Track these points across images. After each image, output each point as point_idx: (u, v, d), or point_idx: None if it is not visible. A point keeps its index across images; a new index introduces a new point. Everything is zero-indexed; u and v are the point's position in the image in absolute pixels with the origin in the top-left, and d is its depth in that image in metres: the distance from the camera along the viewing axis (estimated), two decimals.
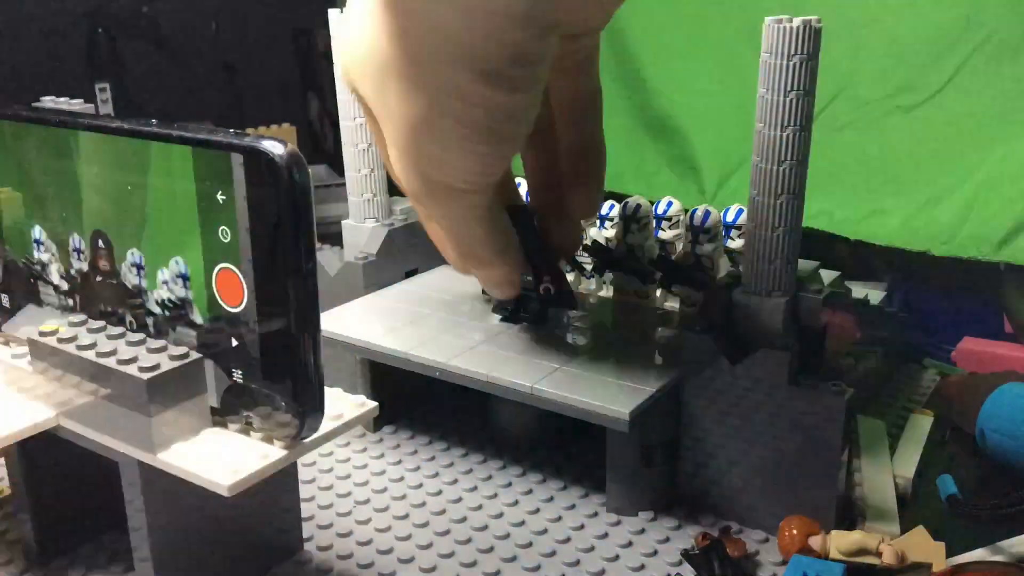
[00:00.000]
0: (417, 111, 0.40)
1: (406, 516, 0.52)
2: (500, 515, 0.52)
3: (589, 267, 0.65)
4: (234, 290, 0.39)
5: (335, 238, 0.73)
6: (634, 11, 0.80)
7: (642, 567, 0.48)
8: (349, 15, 0.42)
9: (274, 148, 0.36)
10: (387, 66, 0.39)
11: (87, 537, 0.50)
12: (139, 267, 0.43)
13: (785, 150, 0.47)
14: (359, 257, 0.67)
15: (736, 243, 0.57)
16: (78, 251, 0.45)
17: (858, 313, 0.61)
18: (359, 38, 0.40)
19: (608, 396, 0.50)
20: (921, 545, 0.45)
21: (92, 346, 0.42)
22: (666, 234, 0.60)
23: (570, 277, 0.64)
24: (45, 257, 0.47)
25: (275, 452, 0.40)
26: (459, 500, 0.54)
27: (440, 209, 0.46)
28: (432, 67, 0.38)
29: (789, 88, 0.46)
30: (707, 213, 0.57)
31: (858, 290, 0.64)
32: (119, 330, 0.43)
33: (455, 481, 0.56)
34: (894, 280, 0.72)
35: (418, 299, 0.65)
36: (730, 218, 0.57)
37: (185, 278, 0.41)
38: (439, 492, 0.55)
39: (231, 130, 0.38)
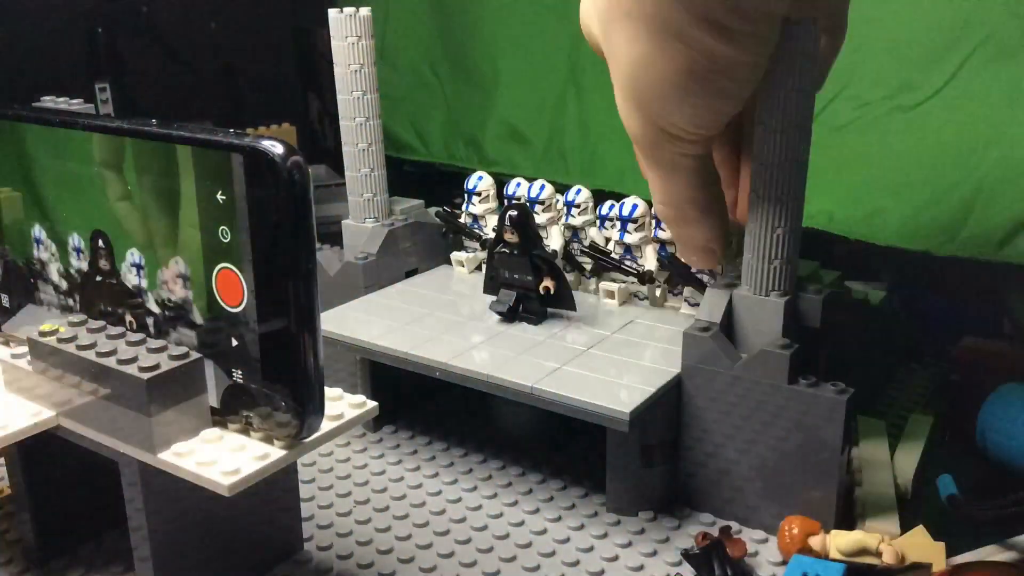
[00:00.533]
0: (640, 50, 0.41)
1: (406, 516, 0.52)
2: (500, 515, 0.52)
3: (589, 268, 0.65)
4: (234, 290, 0.39)
5: (335, 238, 0.73)
6: None
7: (642, 567, 0.48)
8: None
9: (274, 148, 0.36)
10: (616, 5, 0.40)
11: (87, 537, 0.50)
12: (139, 267, 0.43)
13: (784, 149, 0.47)
14: (359, 257, 0.67)
15: (632, 237, 0.60)
16: (78, 250, 0.45)
17: (858, 313, 0.61)
18: None
19: (608, 396, 0.50)
20: (921, 545, 0.45)
21: (92, 346, 0.42)
22: (665, 234, 0.60)
23: (569, 278, 0.64)
24: (45, 256, 0.47)
25: (275, 452, 0.40)
26: (459, 500, 0.54)
27: (655, 154, 0.46)
28: (657, 7, 0.39)
29: (788, 87, 0.46)
30: None
31: (858, 290, 0.64)
32: (119, 330, 0.43)
33: (455, 481, 0.56)
34: (894, 280, 0.72)
35: (418, 299, 0.65)
36: (626, 212, 0.60)
37: (185, 278, 0.41)
38: (439, 492, 0.55)
39: (231, 130, 0.38)
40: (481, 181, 0.68)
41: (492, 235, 0.67)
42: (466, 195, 0.69)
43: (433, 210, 0.71)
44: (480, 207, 0.68)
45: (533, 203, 0.64)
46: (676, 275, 0.60)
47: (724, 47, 0.40)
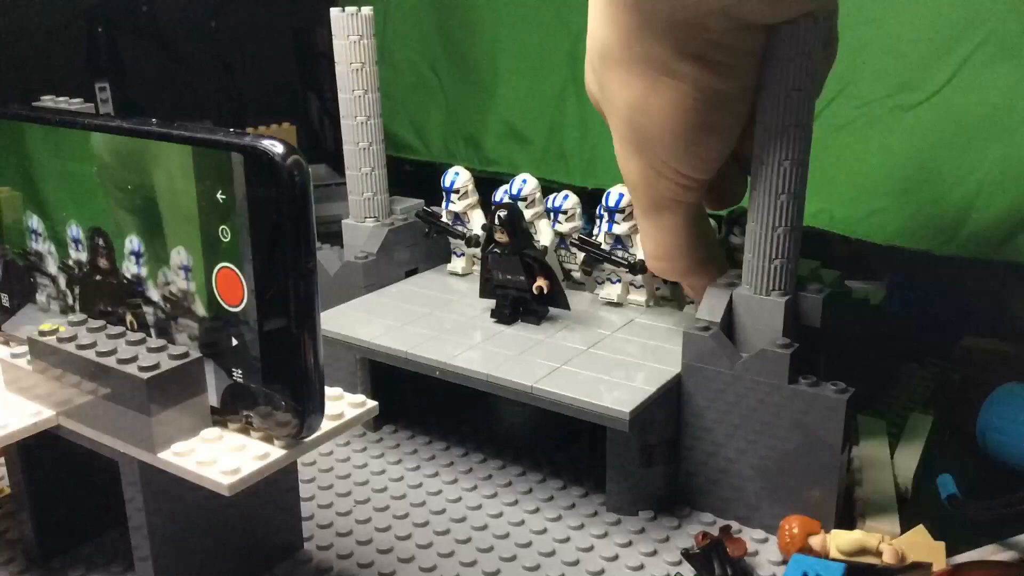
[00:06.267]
0: (634, 93, 0.43)
1: (406, 516, 0.52)
2: (500, 515, 0.52)
3: (578, 261, 0.65)
4: (234, 290, 0.39)
5: (335, 237, 0.73)
6: None
7: (642, 567, 0.48)
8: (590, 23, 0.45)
9: (274, 147, 0.36)
10: (608, 55, 0.43)
11: (87, 537, 0.50)
12: (138, 255, 0.43)
13: (784, 149, 0.47)
14: (359, 256, 0.67)
15: (621, 227, 0.59)
16: (76, 241, 0.45)
17: (858, 313, 0.61)
18: (590, 38, 0.44)
19: (608, 396, 0.50)
20: (921, 545, 0.45)
21: (92, 345, 0.42)
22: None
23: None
24: (42, 248, 0.47)
25: (275, 452, 0.40)
26: (459, 500, 0.54)
27: (653, 200, 0.49)
28: (644, 47, 0.42)
29: (788, 87, 0.46)
30: None
31: (858, 290, 0.64)
32: (119, 329, 0.43)
33: (455, 481, 0.56)
34: (894, 280, 0.72)
35: (418, 299, 0.65)
36: (612, 202, 0.59)
37: (187, 269, 0.41)
38: (439, 492, 0.55)
39: (231, 129, 0.38)
40: (458, 177, 0.67)
41: (476, 232, 0.67)
42: (444, 193, 0.68)
43: (413, 211, 0.71)
44: (460, 204, 0.67)
45: (514, 200, 0.64)
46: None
47: (709, 77, 0.42)
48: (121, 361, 0.40)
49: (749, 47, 0.43)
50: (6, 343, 0.48)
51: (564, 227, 0.64)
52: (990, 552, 0.47)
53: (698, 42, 0.41)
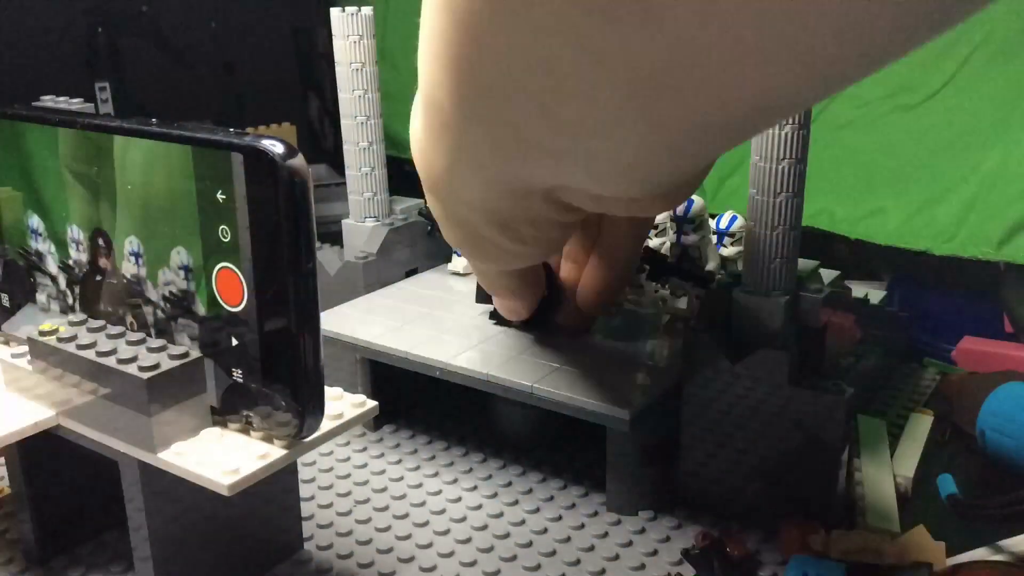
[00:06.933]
0: (439, 213, 0.41)
1: (406, 516, 0.52)
2: (500, 515, 0.52)
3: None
4: (234, 290, 0.39)
5: (335, 237, 0.73)
6: None
7: (642, 567, 0.48)
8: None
9: (274, 147, 0.36)
10: (422, 169, 0.39)
11: (87, 537, 0.50)
12: (137, 255, 0.43)
13: (784, 148, 0.47)
14: (359, 256, 0.67)
15: (729, 251, 0.57)
16: (76, 242, 0.45)
17: (858, 313, 0.61)
18: (414, 127, 0.39)
19: (608, 396, 0.50)
20: (921, 545, 0.45)
21: (92, 345, 0.42)
22: (652, 242, 0.60)
23: None
24: (43, 248, 0.47)
25: (275, 452, 0.40)
26: (459, 500, 0.54)
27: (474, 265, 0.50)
28: (452, 204, 0.39)
29: None
30: (690, 202, 0.57)
31: (858, 290, 0.64)
32: (119, 329, 0.43)
33: (455, 481, 0.56)
34: (894, 280, 0.72)
35: (418, 299, 0.65)
36: (723, 225, 0.58)
37: (187, 269, 0.41)
38: (439, 492, 0.55)
39: (231, 129, 0.38)
40: None
41: None
42: None
43: (413, 211, 0.71)
44: None
45: None
46: (659, 271, 0.59)
47: (514, 245, 0.41)
48: (121, 361, 0.40)
49: (567, 224, 0.41)
50: (6, 343, 0.49)
51: (653, 243, 0.64)
52: (990, 552, 0.47)
53: (510, 218, 0.38)
